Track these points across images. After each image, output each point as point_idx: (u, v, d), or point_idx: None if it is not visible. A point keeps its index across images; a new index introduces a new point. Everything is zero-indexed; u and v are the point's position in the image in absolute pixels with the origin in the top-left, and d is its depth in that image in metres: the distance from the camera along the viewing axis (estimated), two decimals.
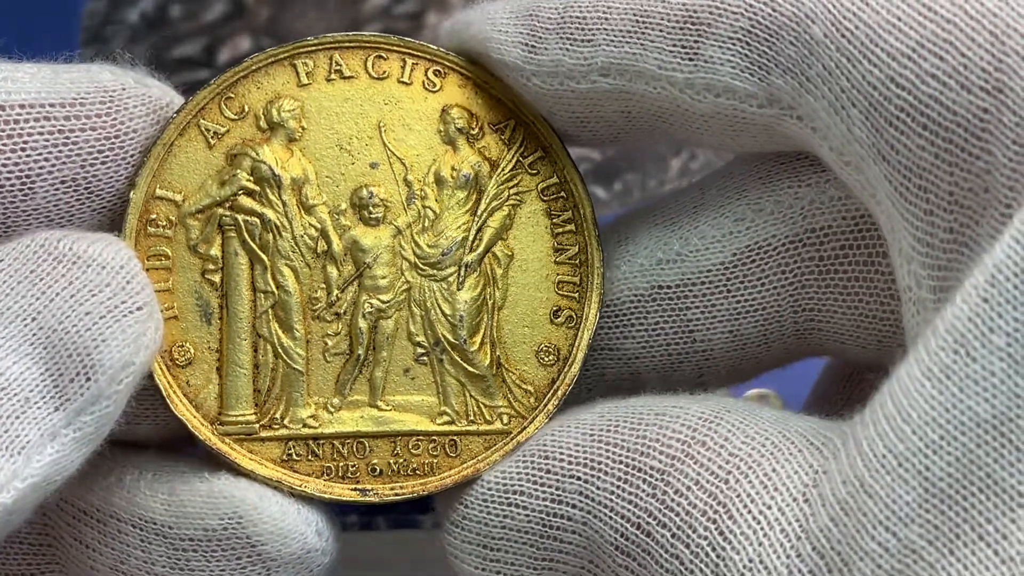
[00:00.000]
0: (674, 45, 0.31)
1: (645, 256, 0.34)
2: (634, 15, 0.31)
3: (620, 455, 0.31)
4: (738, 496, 0.29)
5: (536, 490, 0.32)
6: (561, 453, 0.31)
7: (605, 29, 0.31)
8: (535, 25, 0.32)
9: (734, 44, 0.30)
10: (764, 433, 0.30)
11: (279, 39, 0.51)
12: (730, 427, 0.30)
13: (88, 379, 0.30)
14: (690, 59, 0.31)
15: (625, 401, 0.32)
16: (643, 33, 0.31)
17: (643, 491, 0.30)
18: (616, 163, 0.47)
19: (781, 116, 0.30)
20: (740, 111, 0.31)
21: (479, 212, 0.34)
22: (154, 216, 0.33)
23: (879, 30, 0.28)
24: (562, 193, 0.34)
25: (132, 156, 0.32)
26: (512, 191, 0.34)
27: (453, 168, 0.34)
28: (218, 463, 0.33)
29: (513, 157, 0.34)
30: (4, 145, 0.31)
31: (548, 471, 0.31)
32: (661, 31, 0.31)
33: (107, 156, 0.32)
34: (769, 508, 0.29)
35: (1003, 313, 0.26)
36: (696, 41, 0.31)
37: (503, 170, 0.34)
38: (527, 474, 0.32)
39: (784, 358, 0.35)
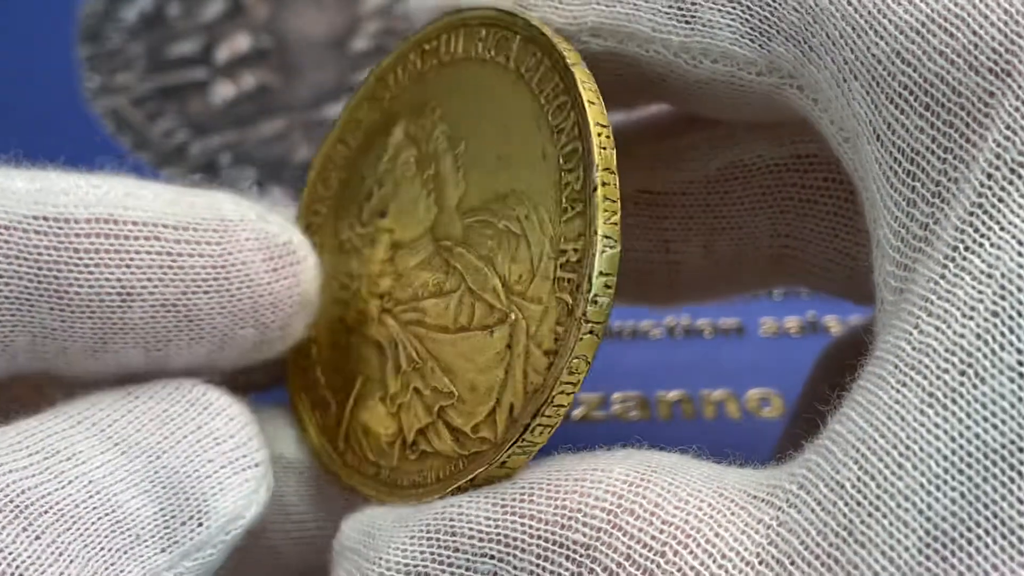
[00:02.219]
0: (670, 6, 0.29)
1: (634, 160, 0.33)
2: None
3: (538, 529, 0.27)
4: (679, 571, 0.26)
5: (444, 572, 0.28)
6: (470, 529, 0.28)
7: None
8: None
9: (734, 8, 0.29)
10: (698, 494, 0.27)
11: (278, 38, 0.51)
12: (660, 490, 0.27)
13: (200, 524, 0.30)
14: (687, 22, 0.29)
15: (540, 465, 0.29)
16: None
17: (567, 570, 0.27)
18: None
19: (781, 85, 0.29)
20: (738, 78, 0.29)
21: None
22: None
23: (889, 0, 0.27)
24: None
25: (237, 290, 0.32)
26: None
27: None
28: None
29: None
30: (111, 259, 0.31)
31: (456, 550, 0.28)
32: None
33: (211, 285, 0.31)
34: None
35: (1015, 328, 0.24)
36: (693, 3, 0.29)
37: None
38: (432, 554, 0.28)
39: (759, 283, 0.34)
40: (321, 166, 0.35)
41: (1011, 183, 0.25)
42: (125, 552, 0.29)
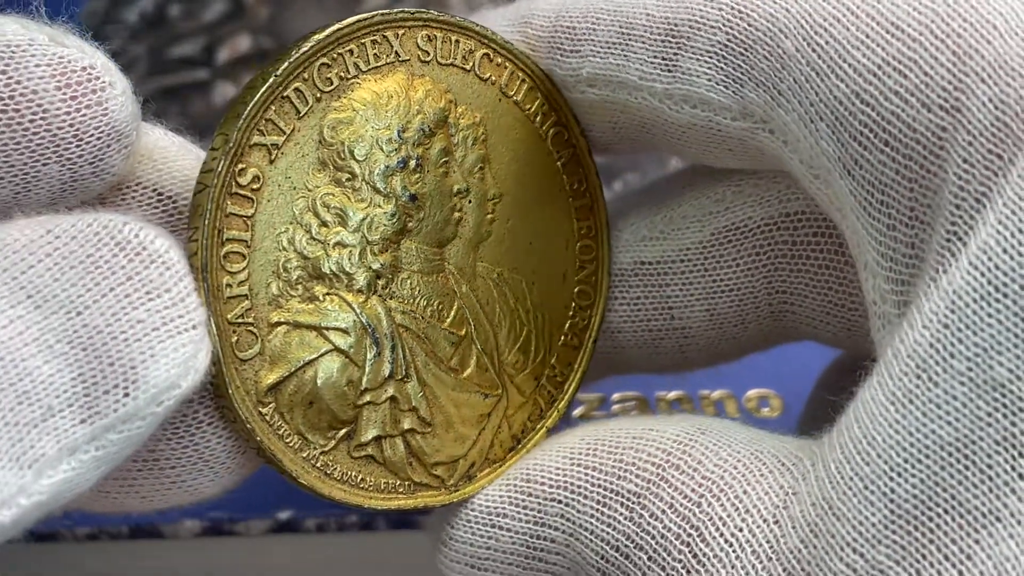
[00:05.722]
0: (654, 57, 0.31)
1: (630, 232, 0.35)
2: (619, 27, 0.32)
3: (598, 479, 0.31)
4: (710, 519, 0.30)
5: (519, 513, 0.32)
6: (542, 477, 0.32)
7: (592, 40, 0.32)
8: (528, 33, 0.33)
9: (711, 57, 0.31)
10: (736, 455, 0.31)
11: (279, 39, 0.51)
12: (703, 449, 0.31)
13: (127, 395, 0.26)
14: (668, 71, 0.31)
15: (605, 424, 0.33)
16: (627, 45, 0.32)
17: (621, 514, 0.31)
18: (617, 163, 0.48)
19: (754, 129, 0.31)
20: (715, 123, 0.31)
21: None
22: None
23: (848, 46, 0.29)
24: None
25: (30, 123, 0.28)
26: None
27: None
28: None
29: None
30: None
31: (530, 494, 0.32)
32: (643, 43, 0.31)
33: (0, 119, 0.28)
34: (740, 531, 0.29)
35: (963, 339, 0.27)
36: (675, 53, 0.31)
37: None
38: (510, 498, 0.32)
39: (763, 340, 0.36)
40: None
41: (978, 212, 0.27)
42: (35, 426, 0.26)
